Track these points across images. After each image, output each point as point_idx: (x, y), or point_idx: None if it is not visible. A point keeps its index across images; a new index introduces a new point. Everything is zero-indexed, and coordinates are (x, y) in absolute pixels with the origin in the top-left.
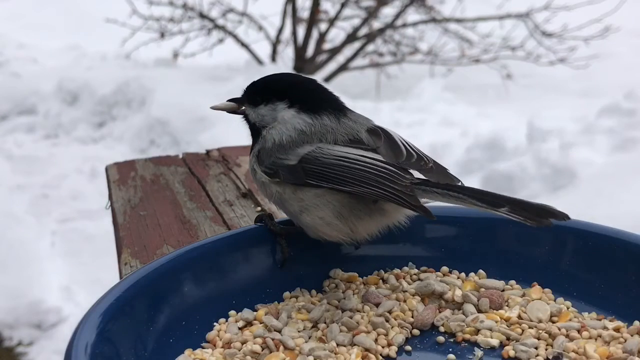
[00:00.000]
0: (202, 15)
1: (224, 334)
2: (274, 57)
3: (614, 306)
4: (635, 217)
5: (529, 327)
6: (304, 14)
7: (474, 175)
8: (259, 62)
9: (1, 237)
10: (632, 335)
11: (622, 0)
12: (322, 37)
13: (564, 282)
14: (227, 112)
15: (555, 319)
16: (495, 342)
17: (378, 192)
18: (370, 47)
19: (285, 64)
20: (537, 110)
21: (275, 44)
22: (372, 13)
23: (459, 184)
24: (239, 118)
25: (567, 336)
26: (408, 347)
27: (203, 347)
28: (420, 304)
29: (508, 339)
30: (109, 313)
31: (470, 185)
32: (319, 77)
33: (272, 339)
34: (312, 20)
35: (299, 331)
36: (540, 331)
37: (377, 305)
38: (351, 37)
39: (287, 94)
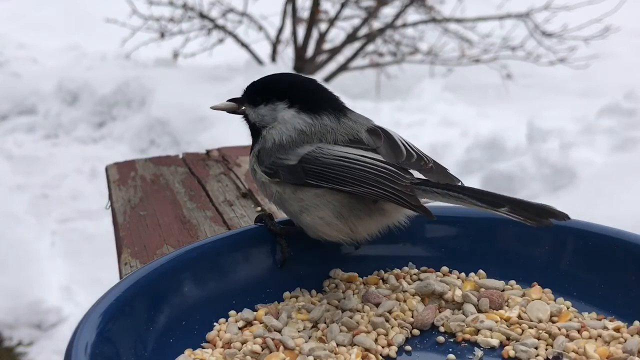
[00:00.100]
0: (202, 15)
1: (224, 334)
2: (274, 57)
3: (614, 306)
4: (635, 217)
5: (529, 327)
6: (304, 14)
7: (474, 175)
8: (259, 62)
9: (1, 237)
10: (632, 335)
11: (622, 0)
12: (322, 37)
13: (564, 282)
14: (227, 112)
15: (555, 319)
16: (495, 342)
17: (378, 192)
18: (370, 47)
19: (285, 64)
20: (537, 110)
21: (275, 44)
22: (372, 13)
23: (459, 184)
24: (239, 118)
25: (567, 336)
26: (408, 347)
27: (203, 347)
28: (420, 304)
29: (508, 339)
30: (109, 313)
31: (470, 185)
32: (319, 77)
33: (272, 339)
34: (312, 20)
35: (299, 331)
36: (540, 331)
37: (377, 305)
38: (351, 37)
39: (287, 94)
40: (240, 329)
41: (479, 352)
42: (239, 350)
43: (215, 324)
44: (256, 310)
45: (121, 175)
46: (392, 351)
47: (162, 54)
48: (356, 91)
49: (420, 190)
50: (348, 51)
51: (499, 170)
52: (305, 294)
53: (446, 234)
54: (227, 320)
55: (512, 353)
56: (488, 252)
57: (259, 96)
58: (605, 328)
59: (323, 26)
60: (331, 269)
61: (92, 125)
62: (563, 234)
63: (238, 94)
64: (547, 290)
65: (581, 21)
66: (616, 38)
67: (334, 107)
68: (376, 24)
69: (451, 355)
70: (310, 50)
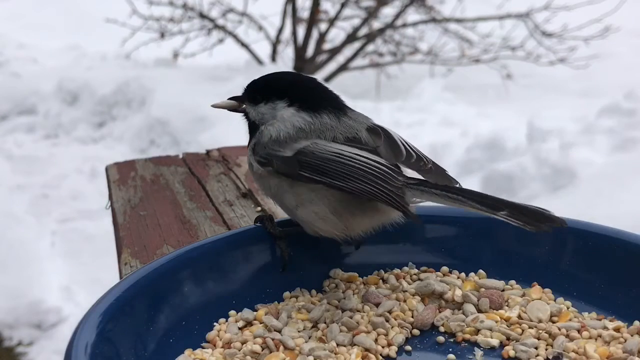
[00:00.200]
0: (202, 15)
1: (224, 334)
2: (274, 57)
3: (614, 306)
4: (635, 217)
5: (529, 327)
6: (304, 14)
7: (474, 175)
8: (259, 62)
9: (1, 237)
10: (632, 335)
11: (622, 0)
12: (322, 37)
13: (564, 282)
14: (228, 110)
15: (555, 318)
16: (495, 342)
17: (369, 189)
18: (370, 47)
19: (285, 64)
20: (537, 110)
21: (275, 44)
22: (372, 13)
23: (457, 185)
24: (239, 117)
25: (567, 336)
26: (408, 347)
27: (203, 347)
28: (420, 304)
29: (508, 339)
30: (109, 313)
31: (470, 185)
32: (319, 77)
33: (272, 339)
34: (312, 20)
35: (299, 331)
36: (540, 331)
37: (377, 305)
38: (351, 37)
39: (287, 92)
40: (240, 329)
41: (479, 352)
42: (239, 350)
43: (215, 324)
44: (256, 310)
45: (121, 175)
46: (392, 351)
47: (162, 54)
48: (356, 91)
49: (418, 191)
50: (348, 51)
51: (499, 170)
52: (305, 294)
53: (446, 234)
54: (227, 320)
55: (512, 353)
56: (488, 252)
57: (259, 94)
58: (605, 328)
59: (323, 26)
60: (331, 269)
61: (92, 125)
62: (563, 234)
63: (238, 93)
64: (547, 290)
65: (581, 21)
66: (616, 38)
67: (334, 105)
68: (376, 24)
69: (451, 355)
70: (310, 50)
